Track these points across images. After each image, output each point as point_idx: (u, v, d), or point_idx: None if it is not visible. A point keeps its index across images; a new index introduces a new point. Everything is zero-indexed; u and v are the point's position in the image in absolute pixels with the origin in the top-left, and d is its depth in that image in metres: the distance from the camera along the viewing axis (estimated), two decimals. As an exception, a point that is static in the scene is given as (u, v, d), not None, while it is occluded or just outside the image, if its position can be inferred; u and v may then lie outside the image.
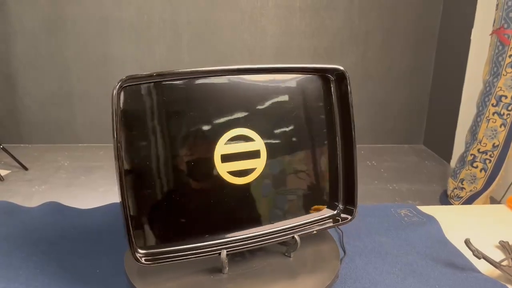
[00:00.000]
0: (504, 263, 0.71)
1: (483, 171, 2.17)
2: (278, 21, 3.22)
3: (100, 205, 0.91)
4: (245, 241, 0.66)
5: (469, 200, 2.26)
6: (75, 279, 0.67)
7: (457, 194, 2.31)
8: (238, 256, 0.67)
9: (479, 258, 0.69)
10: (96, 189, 2.59)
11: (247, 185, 0.66)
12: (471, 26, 2.78)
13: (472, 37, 2.79)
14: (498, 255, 0.75)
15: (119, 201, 0.58)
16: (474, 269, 0.71)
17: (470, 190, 2.24)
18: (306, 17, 3.22)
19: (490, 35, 2.14)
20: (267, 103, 0.67)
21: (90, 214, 0.86)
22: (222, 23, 3.20)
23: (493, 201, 2.34)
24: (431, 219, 0.87)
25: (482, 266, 0.71)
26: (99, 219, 0.84)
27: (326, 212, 0.73)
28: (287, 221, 0.70)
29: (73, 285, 0.66)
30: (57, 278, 0.67)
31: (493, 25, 2.12)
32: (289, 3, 3.19)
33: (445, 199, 2.44)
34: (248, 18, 3.21)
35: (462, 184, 2.27)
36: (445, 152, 3.17)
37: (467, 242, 0.71)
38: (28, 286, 0.65)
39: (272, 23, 3.23)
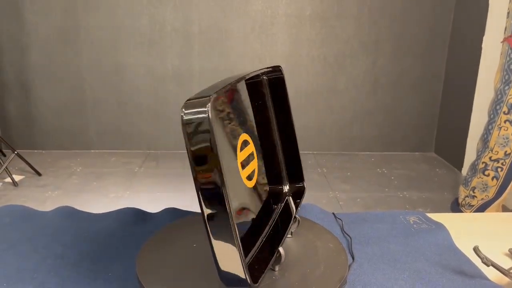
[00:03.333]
0: (513, 270, 0.71)
1: (494, 179, 2.15)
2: (289, 30, 3.25)
3: (112, 210, 0.92)
4: (281, 233, 0.69)
5: (481, 209, 2.24)
6: (88, 282, 0.69)
7: (468, 203, 2.29)
8: None
9: (488, 266, 0.69)
10: (108, 195, 2.62)
11: (256, 186, 0.69)
12: (482, 33, 2.78)
13: (483, 45, 2.78)
14: (507, 263, 0.75)
15: (232, 236, 0.51)
16: (483, 277, 0.71)
17: (482, 199, 2.22)
18: (316, 26, 3.24)
19: (501, 42, 2.14)
20: (247, 107, 0.73)
21: (103, 219, 0.88)
22: (232, 32, 3.24)
23: (505, 209, 2.32)
24: (440, 226, 0.87)
25: (491, 274, 0.71)
26: (111, 223, 0.86)
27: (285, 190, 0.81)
28: (284, 206, 0.77)
29: (87, 287, 0.67)
30: (70, 281, 0.68)
31: (504, 32, 2.11)
32: (299, 12, 3.21)
33: (456, 207, 2.42)
34: (259, 27, 3.24)
35: (474, 192, 2.25)
36: (456, 160, 3.14)
37: (476, 250, 0.71)
38: (43, 288, 0.67)
39: (282, 32, 3.25)
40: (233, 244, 0.52)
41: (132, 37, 3.23)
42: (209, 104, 0.48)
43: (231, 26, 3.23)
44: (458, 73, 3.18)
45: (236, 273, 0.53)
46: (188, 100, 0.50)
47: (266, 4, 3.20)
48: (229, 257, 0.53)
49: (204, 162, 0.49)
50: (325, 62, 3.31)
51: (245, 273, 0.53)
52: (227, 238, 0.52)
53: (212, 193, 0.51)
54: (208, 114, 0.48)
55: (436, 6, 3.22)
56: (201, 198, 0.51)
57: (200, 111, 0.48)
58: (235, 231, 0.51)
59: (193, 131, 0.49)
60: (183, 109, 0.49)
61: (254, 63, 3.29)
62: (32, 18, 3.16)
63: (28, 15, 3.16)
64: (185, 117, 0.49)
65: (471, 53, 2.92)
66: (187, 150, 0.50)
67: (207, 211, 0.51)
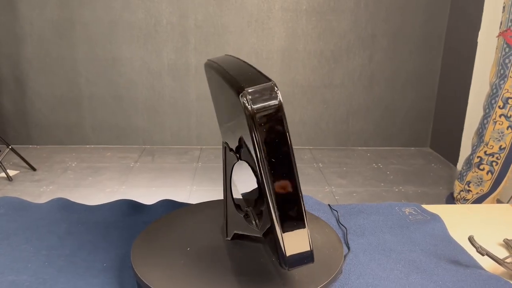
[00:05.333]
0: (508, 260, 0.71)
1: (489, 173, 2.16)
2: (285, 24, 3.24)
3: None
4: None
5: (476, 203, 2.25)
6: (83, 272, 0.68)
7: (463, 197, 2.30)
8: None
9: (483, 255, 0.69)
10: (103, 190, 2.62)
11: None
12: (478, 28, 2.78)
13: (479, 40, 2.79)
14: (502, 253, 0.75)
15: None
16: (477, 266, 0.71)
17: (477, 193, 2.23)
18: (313, 20, 3.24)
19: (496, 37, 2.14)
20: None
21: (98, 210, 0.88)
22: (229, 26, 3.23)
23: (499, 203, 2.33)
24: (435, 217, 0.87)
25: (486, 263, 0.72)
26: (106, 214, 0.86)
27: None
28: None
29: (81, 277, 0.67)
30: (65, 271, 0.68)
31: (500, 27, 2.12)
32: (296, 6, 3.20)
33: (451, 202, 2.43)
34: (255, 21, 3.23)
35: (469, 187, 2.26)
36: (452, 154, 3.16)
37: (471, 239, 0.71)
38: (37, 278, 0.66)
39: (278, 26, 3.24)
40: (303, 226, 0.52)
41: (128, 31, 3.21)
42: (278, 89, 0.46)
43: (227, 20, 3.22)
44: (454, 67, 3.18)
45: (301, 252, 0.54)
46: (247, 88, 0.48)
47: (262, -2, 3.19)
48: (298, 241, 0.53)
49: (278, 152, 0.48)
50: (321, 56, 3.31)
51: (311, 249, 0.54)
52: (299, 223, 0.52)
53: (286, 183, 0.49)
54: (279, 99, 0.46)
55: (432, 0, 3.22)
56: (274, 189, 0.50)
57: (271, 97, 0.46)
58: (305, 215, 0.52)
59: (265, 120, 0.46)
60: (248, 98, 0.47)
61: (251, 57, 3.28)
62: (27, 11, 3.13)
63: (23, 8, 3.13)
64: (255, 106, 0.46)
65: (466, 47, 2.93)
66: (257, 142, 0.47)
67: (282, 202, 0.50)
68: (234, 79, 0.53)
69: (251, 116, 0.46)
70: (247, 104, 0.47)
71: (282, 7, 3.20)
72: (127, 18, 3.18)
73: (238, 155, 0.66)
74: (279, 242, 0.53)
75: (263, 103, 0.46)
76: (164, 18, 3.19)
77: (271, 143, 0.47)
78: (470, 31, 2.87)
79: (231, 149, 0.67)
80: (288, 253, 0.54)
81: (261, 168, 0.49)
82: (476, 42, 2.81)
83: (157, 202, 0.91)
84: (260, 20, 3.22)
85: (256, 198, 0.69)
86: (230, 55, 0.71)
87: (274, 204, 0.51)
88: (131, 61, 3.27)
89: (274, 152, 0.48)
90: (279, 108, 0.46)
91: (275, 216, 0.51)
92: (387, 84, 3.40)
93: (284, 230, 0.52)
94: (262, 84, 0.48)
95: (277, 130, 0.47)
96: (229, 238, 0.71)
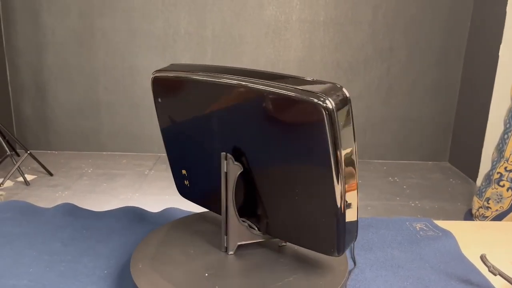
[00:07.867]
0: (522, 281, 0.67)
1: (510, 190, 2.10)
2: (302, 35, 3.24)
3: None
4: None
5: (495, 220, 2.18)
6: (83, 278, 0.68)
7: (482, 214, 2.23)
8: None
9: (495, 275, 0.66)
10: (117, 196, 2.63)
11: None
12: (499, 42, 2.72)
13: (500, 53, 2.73)
14: (516, 273, 0.71)
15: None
16: (489, 286, 0.68)
17: (496, 210, 2.17)
18: (330, 31, 3.22)
19: (518, 50, 2.09)
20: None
21: (103, 216, 0.87)
22: (246, 36, 3.24)
23: (520, 222, 2.25)
24: (447, 234, 0.84)
25: (498, 283, 0.68)
26: (111, 221, 0.85)
27: None
28: None
29: (81, 283, 0.67)
30: (65, 277, 0.68)
31: (522, 40, 2.07)
32: (313, 18, 3.20)
33: (469, 218, 2.36)
34: (272, 32, 3.23)
35: (488, 203, 2.19)
36: (471, 170, 3.08)
37: (483, 258, 0.68)
38: (37, 283, 0.66)
39: (295, 37, 3.24)
40: (356, 208, 0.60)
41: (146, 40, 3.25)
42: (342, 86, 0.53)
43: (244, 31, 3.23)
44: (474, 81, 3.12)
45: (350, 234, 0.60)
46: (312, 89, 0.52)
47: (279, 9, 3.20)
48: (351, 227, 0.60)
49: (347, 146, 0.54)
50: (338, 68, 3.29)
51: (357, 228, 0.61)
52: (354, 206, 0.59)
53: (352, 173, 0.56)
54: (348, 96, 0.51)
55: (453, 13, 3.17)
56: (340, 179, 0.55)
57: (342, 94, 0.51)
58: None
59: (340, 117, 0.51)
60: (325, 97, 0.50)
61: (267, 68, 3.28)
62: (49, 20, 3.21)
63: (45, 17, 3.21)
64: (334, 104, 0.50)
65: (487, 61, 2.87)
66: (332, 137, 0.51)
67: (347, 189, 0.56)
68: (280, 85, 0.56)
69: (330, 114, 0.50)
70: (324, 103, 0.50)
71: (300, 18, 3.21)
72: (146, 28, 3.22)
73: (241, 164, 0.65)
74: (340, 230, 0.58)
75: (338, 101, 0.51)
76: (182, 28, 3.23)
77: (344, 137, 0.52)
78: (491, 44, 2.82)
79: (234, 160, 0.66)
80: (346, 239, 0.59)
81: (334, 162, 0.53)
82: (498, 56, 2.75)
83: (162, 210, 0.91)
84: (277, 31, 3.23)
85: (243, 204, 0.68)
86: (177, 64, 0.72)
87: (343, 192, 0.56)
88: (148, 70, 3.30)
89: (345, 146, 0.53)
90: (349, 104, 0.52)
91: (342, 204, 0.57)
92: (405, 96, 3.35)
93: (346, 214, 0.58)
94: (328, 84, 0.53)
95: (349, 124, 0.53)
96: (232, 252, 0.69)
